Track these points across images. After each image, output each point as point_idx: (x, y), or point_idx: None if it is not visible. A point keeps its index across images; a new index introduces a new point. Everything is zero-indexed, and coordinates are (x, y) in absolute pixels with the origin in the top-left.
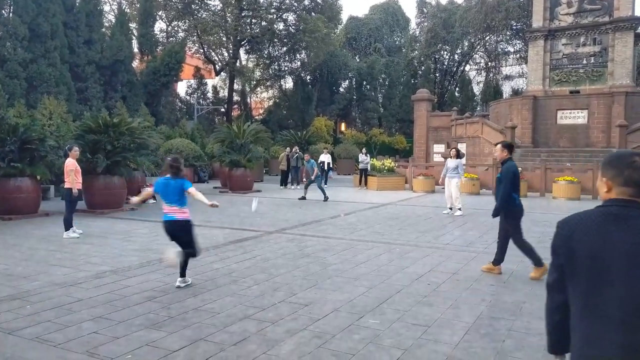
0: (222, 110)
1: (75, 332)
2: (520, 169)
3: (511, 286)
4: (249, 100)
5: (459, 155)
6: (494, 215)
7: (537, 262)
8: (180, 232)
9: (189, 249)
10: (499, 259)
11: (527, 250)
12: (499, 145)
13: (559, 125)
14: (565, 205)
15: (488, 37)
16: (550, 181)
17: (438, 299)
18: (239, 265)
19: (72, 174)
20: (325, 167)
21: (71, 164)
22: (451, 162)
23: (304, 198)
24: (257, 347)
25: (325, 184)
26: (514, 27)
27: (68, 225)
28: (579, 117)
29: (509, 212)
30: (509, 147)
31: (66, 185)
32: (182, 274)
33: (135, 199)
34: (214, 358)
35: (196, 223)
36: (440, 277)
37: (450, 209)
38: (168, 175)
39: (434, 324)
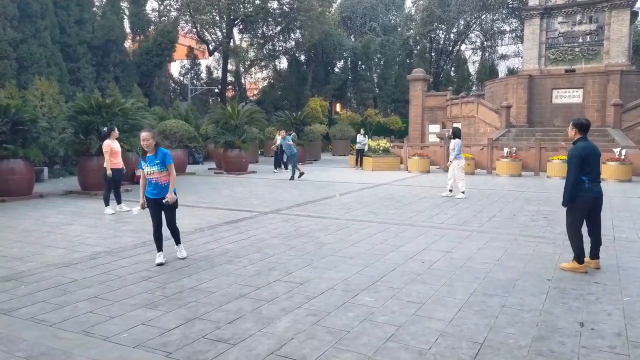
0: (216, 91)
1: (71, 312)
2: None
3: (504, 264)
4: (243, 80)
5: (455, 135)
6: (563, 204)
7: (579, 257)
8: None
9: None
10: (592, 252)
11: (576, 242)
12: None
13: (554, 105)
14: (559, 183)
15: (484, 16)
16: (544, 160)
17: (432, 277)
18: (234, 245)
19: (107, 156)
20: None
21: (106, 146)
22: (450, 143)
23: (302, 173)
24: (252, 325)
25: (291, 168)
26: (510, 6)
27: (106, 202)
28: (574, 96)
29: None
30: (579, 125)
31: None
32: None
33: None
34: (209, 336)
35: (190, 204)
36: (435, 256)
37: (450, 190)
38: None
39: (428, 301)
